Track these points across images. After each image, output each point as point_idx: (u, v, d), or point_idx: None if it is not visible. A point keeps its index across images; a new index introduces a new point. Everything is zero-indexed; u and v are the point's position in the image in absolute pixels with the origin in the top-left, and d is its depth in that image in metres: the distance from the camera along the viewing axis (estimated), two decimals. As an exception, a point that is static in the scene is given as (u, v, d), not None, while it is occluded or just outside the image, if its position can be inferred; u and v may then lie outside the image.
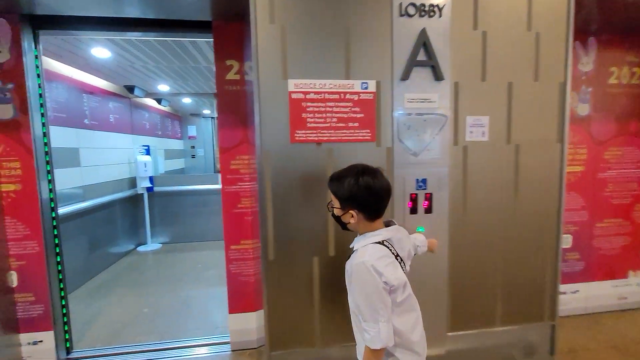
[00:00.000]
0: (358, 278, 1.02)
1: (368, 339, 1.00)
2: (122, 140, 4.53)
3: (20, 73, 1.94)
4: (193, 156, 7.18)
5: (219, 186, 2.25)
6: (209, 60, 3.41)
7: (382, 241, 1.07)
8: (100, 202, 3.73)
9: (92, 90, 3.82)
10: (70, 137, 3.38)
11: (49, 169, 2.11)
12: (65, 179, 3.24)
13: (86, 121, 3.65)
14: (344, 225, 1.16)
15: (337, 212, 1.13)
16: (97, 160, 3.84)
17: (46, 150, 2.09)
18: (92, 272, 3.64)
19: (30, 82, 1.98)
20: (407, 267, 1.15)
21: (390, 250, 1.07)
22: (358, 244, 1.10)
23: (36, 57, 2.03)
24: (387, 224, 1.17)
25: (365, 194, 1.05)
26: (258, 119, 1.46)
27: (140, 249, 4.71)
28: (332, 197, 1.14)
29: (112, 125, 4.24)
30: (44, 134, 2.08)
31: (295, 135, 1.50)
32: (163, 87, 4.82)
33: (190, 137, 7.13)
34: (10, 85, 1.93)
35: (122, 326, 2.59)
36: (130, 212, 4.64)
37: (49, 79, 3.01)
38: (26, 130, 1.97)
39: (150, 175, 4.65)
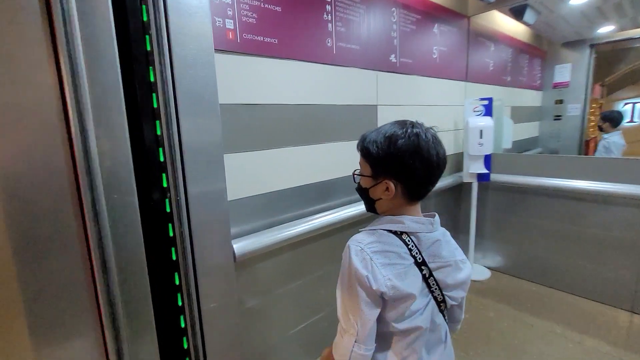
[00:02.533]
0: (343, 262, 0.77)
1: (335, 341, 0.78)
2: (447, 91, 2.73)
3: None
4: (558, 117, 4.23)
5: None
6: None
7: (401, 232, 0.77)
8: None
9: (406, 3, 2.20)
10: (369, 84, 1.98)
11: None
12: (344, 157, 1.92)
13: (392, 58, 2.12)
14: (370, 204, 0.83)
15: (365, 182, 0.82)
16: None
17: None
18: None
19: None
20: (450, 296, 0.81)
21: (410, 249, 0.75)
22: (372, 225, 0.82)
23: None
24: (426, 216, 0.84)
25: (416, 155, 0.74)
26: None
27: (457, 269, 2.95)
28: (362, 161, 0.83)
29: (432, 64, 2.50)
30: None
31: None
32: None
33: (558, 85, 4.19)
34: None
35: None
36: (445, 209, 2.91)
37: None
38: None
39: (488, 152, 2.59)
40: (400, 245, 0.76)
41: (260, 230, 1.51)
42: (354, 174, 0.87)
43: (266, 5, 1.44)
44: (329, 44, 1.72)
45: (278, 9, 1.49)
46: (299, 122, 1.65)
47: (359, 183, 0.86)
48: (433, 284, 0.78)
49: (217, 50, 1.30)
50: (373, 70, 2.00)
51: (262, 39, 1.44)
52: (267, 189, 1.57)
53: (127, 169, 0.69)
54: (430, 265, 0.78)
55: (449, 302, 0.82)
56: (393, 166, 0.76)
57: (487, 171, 2.64)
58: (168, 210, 0.79)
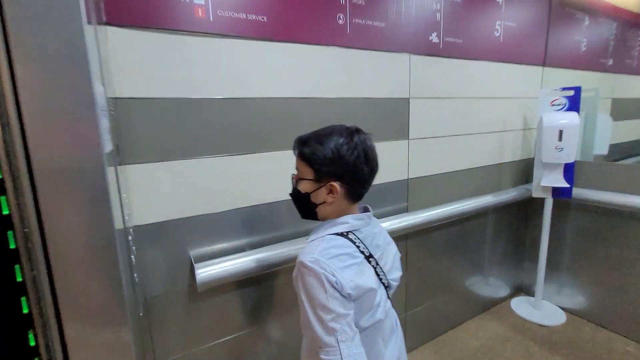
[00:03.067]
0: (302, 283, 0.74)
1: None
2: (514, 79, 2.12)
3: None
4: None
5: None
6: None
7: (347, 233, 0.80)
8: (445, 212, 1.79)
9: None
10: (398, 72, 1.57)
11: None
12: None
13: (433, 37, 1.66)
14: (311, 209, 0.83)
15: (305, 186, 0.81)
16: (447, 124, 1.82)
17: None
18: (423, 335, 1.90)
19: None
20: (393, 279, 0.89)
21: (358, 246, 0.80)
22: (314, 235, 0.82)
23: None
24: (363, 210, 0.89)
25: (361, 158, 0.78)
26: None
27: (519, 302, 2.34)
28: (301, 165, 0.82)
29: (494, 45, 1.95)
30: None
31: None
32: None
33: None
34: None
35: None
36: (506, 228, 2.31)
37: None
38: None
39: (570, 159, 1.95)
40: (349, 246, 0.79)
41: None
42: (293, 178, 0.85)
43: (251, -27, 1.15)
44: (340, 21, 1.36)
45: None
46: (299, 120, 1.33)
47: (296, 189, 0.83)
48: (380, 273, 0.83)
49: (182, 32, 1.06)
50: (404, 53, 1.58)
51: (244, 16, 1.16)
52: (248, 202, 1.29)
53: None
54: (375, 256, 0.83)
55: (393, 285, 0.89)
56: (341, 167, 0.77)
57: (567, 185, 1.99)
58: (13, 247, 0.57)
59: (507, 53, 1.99)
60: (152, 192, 1.11)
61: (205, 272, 1.12)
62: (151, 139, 1.08)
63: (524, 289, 2.50)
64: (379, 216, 1.63)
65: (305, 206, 0.83)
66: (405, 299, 1.85)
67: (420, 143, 1.71)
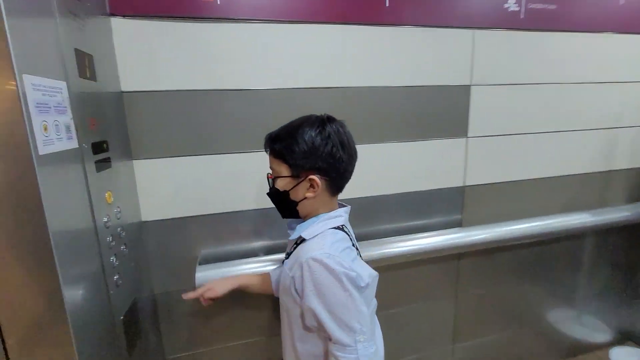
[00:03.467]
0: (315, 281, 0.69)
1: None
2: (637, 55, 1.53)
3: None
4: None
5: None
6: None
7: (342, 226, 0.79)
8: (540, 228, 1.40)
9: None
10: (456, 52, 1.26)
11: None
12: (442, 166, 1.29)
13: (511, 4, 1.27)
14: (291, 207, 0.79)
15: (283, 184, 0.77)
16: (526, 118, 1.39)
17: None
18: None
19: None
20: None
21: (350, 238, 0.79)
22: (308, 230, 0.76)
23: None
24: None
25: (338, 149, 0.74)
26: None
27: (622, 354, 1.76)
28: (275, 163, 0.78)
29: (609, 11, 1.42)
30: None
31: None
32: None
33: None
34: None
35: None
36: (614, 255, 1.74)
37: None
38: None
39: None
40: (347, 238, 0.78)
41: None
42: (269, 178, 0.81)
43: (265, -55, 1.00)
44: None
45: None
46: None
47: (273, 188, 0.80)
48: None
49: (187, 18, 0.98)
50: (466, 28, 1.24)
51: None
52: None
53: None
54: (356, 244, 0.83)
55: None
56: (318, 160, 0.73)
57: None
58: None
59: (629, 21, 1.44)
60: (159, 189, 1.08)
61: (206, 275, 1.06)
62: (156, 134, 1.04)
63: (632, 337, 1.89)
64: (423, 228, 1.36)
65: (285, 205, 0.80)
66: (453, 328, 1.54)
67: (483, 142, 1.36)
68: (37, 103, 0.57)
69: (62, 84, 0.66)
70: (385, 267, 1.26)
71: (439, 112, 1.29)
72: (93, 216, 0.74)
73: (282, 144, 0.75)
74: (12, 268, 0.57)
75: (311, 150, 0.72)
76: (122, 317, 0.85)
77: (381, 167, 1.27)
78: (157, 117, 1.03)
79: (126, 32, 0.96)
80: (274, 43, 1.07)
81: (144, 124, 1.03)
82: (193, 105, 1.05)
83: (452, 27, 1.22)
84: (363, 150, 1.21)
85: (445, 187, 1.37)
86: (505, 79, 1.33)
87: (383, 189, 1.30)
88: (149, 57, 0.99)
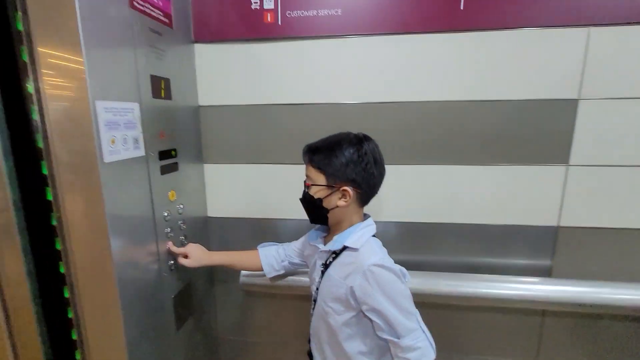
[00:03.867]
0: (381, 284, 0.79)
1: (419, 355, 0.79)
2: None
3: None
4: None
5: None
6: None
7: (374, 235, 0.88)
8: None
9: None
10: (560, 58, 1.00)
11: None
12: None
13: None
14: (323, 214, 0.85)
15: (318, 191, 0.83)
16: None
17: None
18: None
19: None
20: None
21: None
22: (351, 240, 0.83)
23: None
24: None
25: (371, 164, 0.81)
26: None
27: None
28: (313, 172, 0.84)
29: None
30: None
31: None
32: None
33: None
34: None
35: None
36: None
37: None
38: None
39: None
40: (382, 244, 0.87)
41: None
42: (306, 185, 0.87)
43: (327, -38, 1.01)
44: None
45: None
46: (380, 129, 1.09)
47: (308, 195, 0.86)
48: None
49: (252, 39, 1.08)
50: (578, 26, 0.96)
51: (315, 13, 1.04)
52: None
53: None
54: None
55: None
56: (354, 174, 0.80)
57: None
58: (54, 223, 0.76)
59: None
60: (225, 191, 1.23)
61: (247, 275, 1.15)
62: (225, 143, 1.19)
63: None
64: (496, 269, 1.14)
65: (316, 211, 0.86)
66: (531, 398, 1.24)
67: (591, 173, 1.04)
68: (106, 122, 0.73)
69: (135, 105, 0.82)
70: (444, 305, 1.12)
71: (529, 131, 1.05)
72: (153, 210, 0.91)
73: (322, 156, 0.82)
74: (79, 244, 0.76)
75: (349, 164, 0.79)
76: (172, 296, 1.02)
77: (448, 192, 1.12)
78: (226, 128, 1.18)
79: (206, 55, 1.12)
80: (337, 57, 1.08)
81: (215, 134, 1.19)
82: (256, 117, 1.15)
83: (558, 26, 0.97)
84: (426, 171, 1.11)
85: (531, 224, 1.10)
86: (629, 91, 0.98)
87: (448, 216, 1.14)
88: (222, 75, 1.13)
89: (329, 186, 0.82)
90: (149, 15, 0.87)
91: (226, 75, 1.13)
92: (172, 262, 1.00)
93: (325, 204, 0.83)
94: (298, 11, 1.04)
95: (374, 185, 0.84)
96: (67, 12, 0.66)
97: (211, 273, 1.30)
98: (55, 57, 0.68)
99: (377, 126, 1.09)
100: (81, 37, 0.67)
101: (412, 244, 1.19)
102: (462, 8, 0.99)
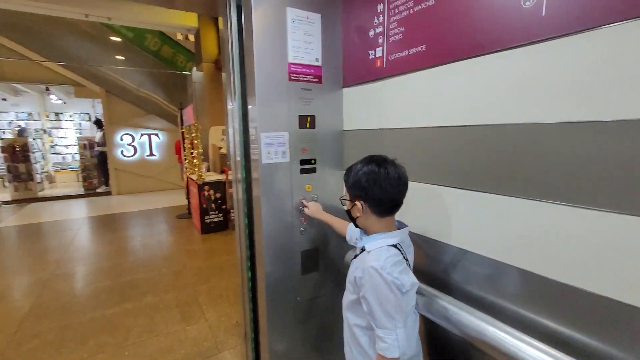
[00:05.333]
0: (372, 283, 0.95)
1: (384, 347, 0.94)
2: None
3: None
4: None
5: None
6: None
7: (397, 244, 1.01)
8: None
9: None
10: None
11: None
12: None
13: None
14: (353, 221, 1.10)
15: (347, 204, 1.09)
16: None
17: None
18: None
19: None
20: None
21: (402, 253, 1.01)
22: (370, 244, 1.03)
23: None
24: (399, 226, 1.09)
25: (371, 182, 0.98)
26: None
27: None
28: (344, 188, 1.11)
29: None
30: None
31: None
32: None
33: None
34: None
35: None
36: None
37: None
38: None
39: None
40: (399, 254, 1.00)
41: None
42: (341, 199, 1.15)
43: (417, 8, 1.15)
44: (527, 4, 0.84)
45: (430, 2, 1.10)
46: (476, 155, 1.09)
47: (343, 205, 1.14)
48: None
49: (370, 80, 1.44)
50: None
51: (407, 53, 1.21)
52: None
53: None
54: (408, 258, 1.06)
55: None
56: (357, 190, 1.01)
57: None
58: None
59: None
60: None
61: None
62: (355, 156, 1.59)
63: None
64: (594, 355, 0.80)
65: (350, 219, 1.11)
66: None
67: None
68: (265, 143, 1.42)
69: (285, 133, 1.47)
70: None
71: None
72: (292, 194, 1.53)
73: (345, 175, 1.07)
74: (240, 215, 1.51)
75: (354, 182, 1.01)
76: (301, 251, 1.60)
77: (530, 237, 0.91)
78: (359, 145, 1.59)
79: (348, 95, 1.59)
80: (426, 85, 1.20)
81: (350, 149, 1.63)
82: (373, 138, 1.48)
83: None
84: (510, 203, 0.98)
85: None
86: None
87: (528, 264, 0.93)
88: (356, 107, 1.56)
89: (350, 200, 1.05)
90: (302, 81, 1.49)
91: (358, 107, 1.55)
92: (302, 229, 1.59)
93: (352, 214, 1.06)
94: (396, 54, 1.27)
95: (380, 200, 0.99)
96: (252, 81, 1.40)
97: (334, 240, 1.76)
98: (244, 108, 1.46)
99: (458, 147, 1.10)
100: (257, 96, 1.38)
101: (475, 278, 1.04)
102: (541, 14, 0.82)
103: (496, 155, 0.98)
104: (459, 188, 1.10)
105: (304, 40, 1.45)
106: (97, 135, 8.70)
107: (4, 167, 7.56)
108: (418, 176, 1.23)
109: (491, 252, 1.03)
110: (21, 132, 8.44)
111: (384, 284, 0.93)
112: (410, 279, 1.00)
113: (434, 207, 1.21)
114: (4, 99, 9.71)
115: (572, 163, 0.81)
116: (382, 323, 0.94)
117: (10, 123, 9.85)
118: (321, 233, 1.65)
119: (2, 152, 7.40)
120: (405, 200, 1.05)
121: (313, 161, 1.58)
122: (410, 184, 1.05)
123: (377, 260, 0.95)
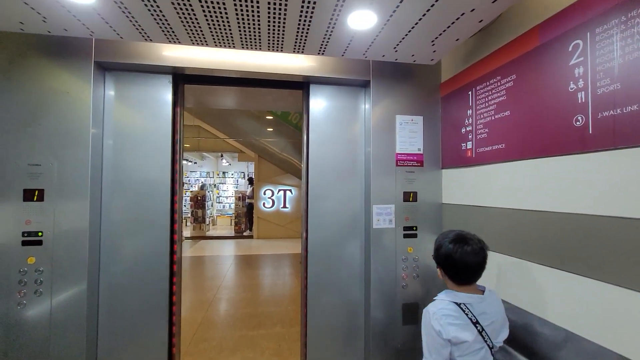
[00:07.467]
0: (424, 320, 1.21)
1: None
2: None
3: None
4: None
5: None
6: None
7: (460, 304, 1.16)
8: None
9: None
10: None
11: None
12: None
13: None
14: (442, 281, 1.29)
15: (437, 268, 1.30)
16: None
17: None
18: None
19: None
20: (496, 342, 1.20)
21: (467, 314, 1.15)
22: (439, 295, 1.24)
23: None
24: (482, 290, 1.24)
25: (445, 261, 1.20)
26: None
27: None
28: None
29: None
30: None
31: None
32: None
33: None
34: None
35: None
36: None
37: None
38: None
39: None
40: (456, 310, 1.17)
41: None
42: (433, 257, 1.32)
43: (497, 116, 1.48)
44: (577, 124, 1.08)
45: (506, 113, 1.42)
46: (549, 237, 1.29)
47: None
48: (485, 336, 1.17)
49: (462, 166, 1.78)
50: None
51: (490, 148, 1.52)
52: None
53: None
54: (483, 324, 1.17)
55: (496, 345, 1.21)
56: (437, 259, 1.26)
57: None
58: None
59: None
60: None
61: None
62: (455, 225, 1.87)
63: None
64: None
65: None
66: None
67: None
68: (376, 213, 1.88)
69: (392, 206, 1.90)
70: None
71: None
72: (395, 257, 1.90)
73: (434, 244, 1.32)
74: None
75: (436, 255, 1.26)
76: (402, 303, 1.90)
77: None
78: (451, 216, 1.87)
79: (446, 175, 1.93)
80: (504, 175, 1.47)
81: (447, 219, 1.92)
82: (463, 211, 1.76)
83: None
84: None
85: None
86: None
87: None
88: (452, 186, 1.88)
89: (437, 266, 1.28)
90: (406, 165, 1.93)
91: (453, 185, 1.86)
92: (404, 283, 1.90)
93: (439, 273, 1.30)
94: (482, 148, 1.59)
95: (454, 269, 1.19)
96: (368, 167, 1.92)
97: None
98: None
99: (530, 226, 1.30)
100: (371, 177, 1.89)
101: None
102: (589, 131, 1.06)
103: (552, 237, 1.17)
104: (524, 259, 1.28)
105: (408, 136, 1.93)
106: (248, 189, 11.00)
107: (189, 212, 10.32)
108: (497, 247, 1.45)
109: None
110: (202, 187, 11.48)
111: (429, 324, 1.17)
112: (456, 333, 1.12)
113: (516, 278, 1.38)
114: (195, 162, 13.50)
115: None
116: (424, 352, 1.19)
117: (197, 180, 13.52)
118: (422, 289, 1.92)
119: (190, 200, 10.20)
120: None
121: (414, 228, 1.94)
122: (491, 254, 1.30)
123: (433, 307, 1.19)
